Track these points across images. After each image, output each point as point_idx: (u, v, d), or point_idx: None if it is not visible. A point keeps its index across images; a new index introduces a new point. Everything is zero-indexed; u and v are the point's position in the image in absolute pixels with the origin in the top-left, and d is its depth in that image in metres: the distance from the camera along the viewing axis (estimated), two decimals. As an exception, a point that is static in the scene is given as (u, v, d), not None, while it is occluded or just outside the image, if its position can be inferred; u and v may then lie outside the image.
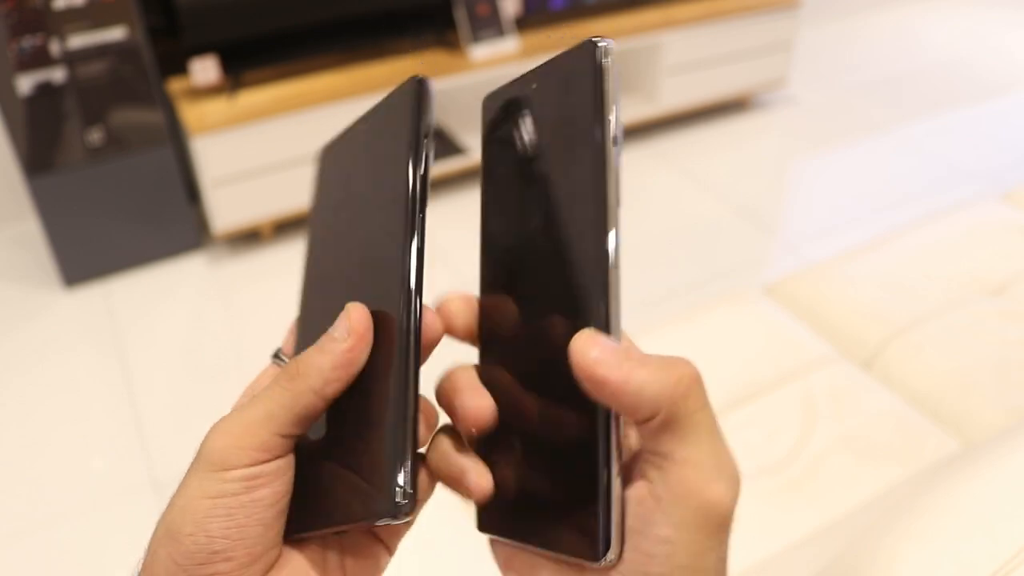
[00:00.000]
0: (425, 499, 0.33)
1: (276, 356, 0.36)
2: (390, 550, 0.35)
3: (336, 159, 0.39)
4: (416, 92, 0.31)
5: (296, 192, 2.26)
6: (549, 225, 0.31)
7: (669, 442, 0.27)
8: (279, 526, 0.31)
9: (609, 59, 0.29)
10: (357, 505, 0.30)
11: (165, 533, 0.29)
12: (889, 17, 3.91)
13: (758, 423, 1.17)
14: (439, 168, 2.45)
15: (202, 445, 0.30)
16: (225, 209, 2.20)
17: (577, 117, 0.29)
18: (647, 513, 0.27)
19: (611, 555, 0.27)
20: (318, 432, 0.33)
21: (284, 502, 0.30)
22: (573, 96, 0.29)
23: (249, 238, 2.35)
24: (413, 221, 0.30)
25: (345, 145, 0.38)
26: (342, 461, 0.32)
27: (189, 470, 0.30)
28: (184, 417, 1.77)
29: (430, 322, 0.33)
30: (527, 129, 0.32)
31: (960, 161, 2.68)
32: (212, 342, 2.03)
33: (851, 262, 1.51)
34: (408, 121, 0.31)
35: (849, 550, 0.67)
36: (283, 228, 2.38)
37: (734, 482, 0.27)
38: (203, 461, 0.29)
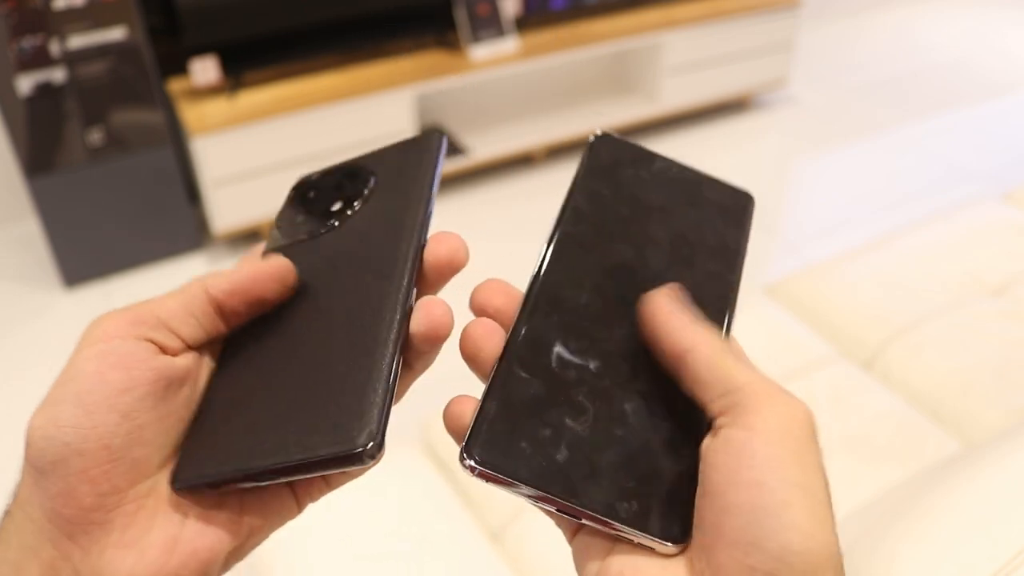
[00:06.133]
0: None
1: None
2: (300, 507, 0.32)
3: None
4: (436, 146, 0.33)
5: (296, 192, 2.26)
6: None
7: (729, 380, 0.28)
8: (138, 427, 0.28)
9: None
10: (302, 445, 0.26)
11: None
12: (890, 17, 3.90)
13: (758, 423, 1.16)
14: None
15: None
16: (225, 209, 2.20)
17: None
18: (736, 452, 0.27)
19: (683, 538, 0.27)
20: (262, 369, 0.30)
21: (142, 393, 0.28)
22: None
23: (249, 238, 2.35)
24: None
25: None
26: (289, 398, 0.28)
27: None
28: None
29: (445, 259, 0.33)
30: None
31: (960, 161, 2.68)
32: (212, 342, 2.03)
33: (851, 262, 1.51)
34: (422, 171, 0.33)
35: (849, 550, 0.67)
36: (283, 228, 2.38)
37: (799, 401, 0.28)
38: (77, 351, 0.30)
